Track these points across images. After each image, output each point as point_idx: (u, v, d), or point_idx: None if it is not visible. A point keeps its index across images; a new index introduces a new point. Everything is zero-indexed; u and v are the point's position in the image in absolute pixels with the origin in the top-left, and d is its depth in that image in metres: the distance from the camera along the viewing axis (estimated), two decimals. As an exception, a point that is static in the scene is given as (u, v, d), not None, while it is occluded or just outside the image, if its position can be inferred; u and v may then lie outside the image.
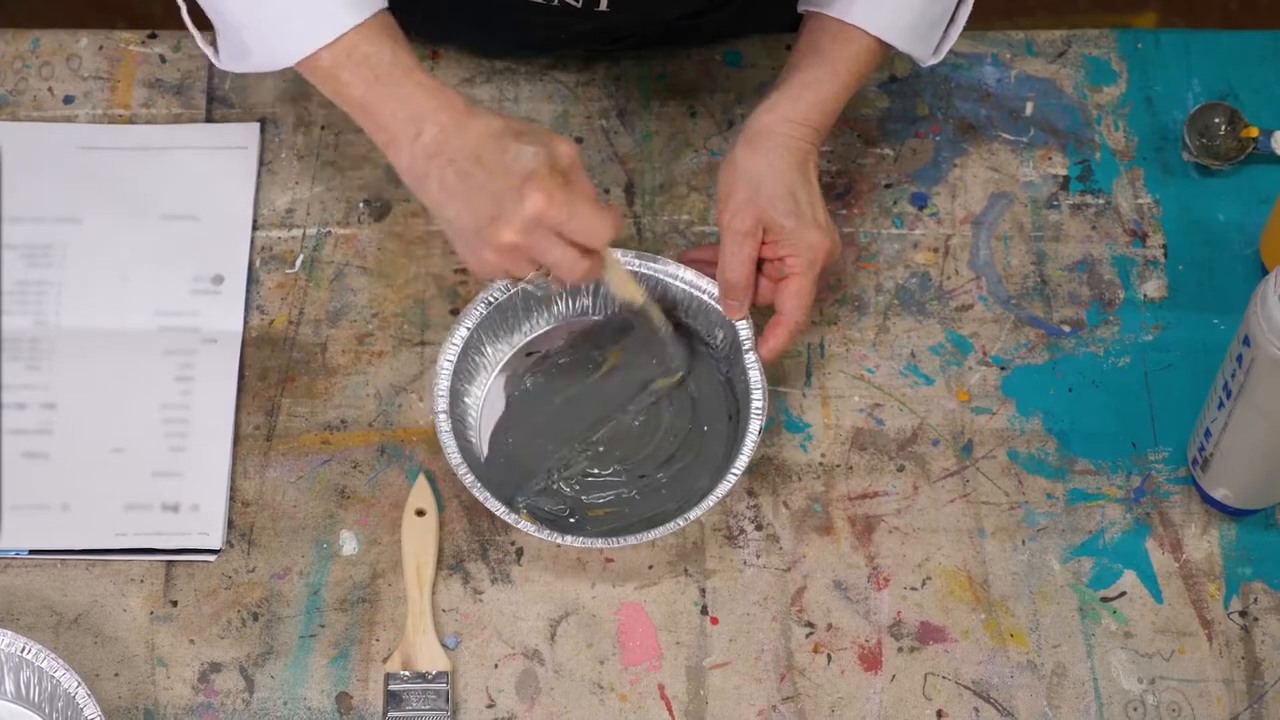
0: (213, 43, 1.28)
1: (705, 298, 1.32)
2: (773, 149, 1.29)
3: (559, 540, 1.24)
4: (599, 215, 1.21)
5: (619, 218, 1.23)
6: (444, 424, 1.28)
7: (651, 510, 1.28)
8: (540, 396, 1.33)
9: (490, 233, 1.19)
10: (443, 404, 1.28)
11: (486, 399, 1.33)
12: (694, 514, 1.24)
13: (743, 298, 1.30)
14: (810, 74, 1.31)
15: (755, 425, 1.27)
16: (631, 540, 1.24)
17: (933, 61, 1.34)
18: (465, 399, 1.31)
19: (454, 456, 1.26)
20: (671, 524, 1.24)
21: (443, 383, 1.29)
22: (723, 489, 1.25)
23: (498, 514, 1.24)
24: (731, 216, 1.29)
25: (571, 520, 1.28)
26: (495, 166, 1.18)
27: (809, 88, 1.31)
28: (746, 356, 1.30)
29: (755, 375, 1.29)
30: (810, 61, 1.31)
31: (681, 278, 1.33)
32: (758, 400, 1.28)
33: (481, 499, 1.25)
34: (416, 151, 1.20)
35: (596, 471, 1.30)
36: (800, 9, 1.34)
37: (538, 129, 1.21)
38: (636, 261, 1.33)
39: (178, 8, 1.28)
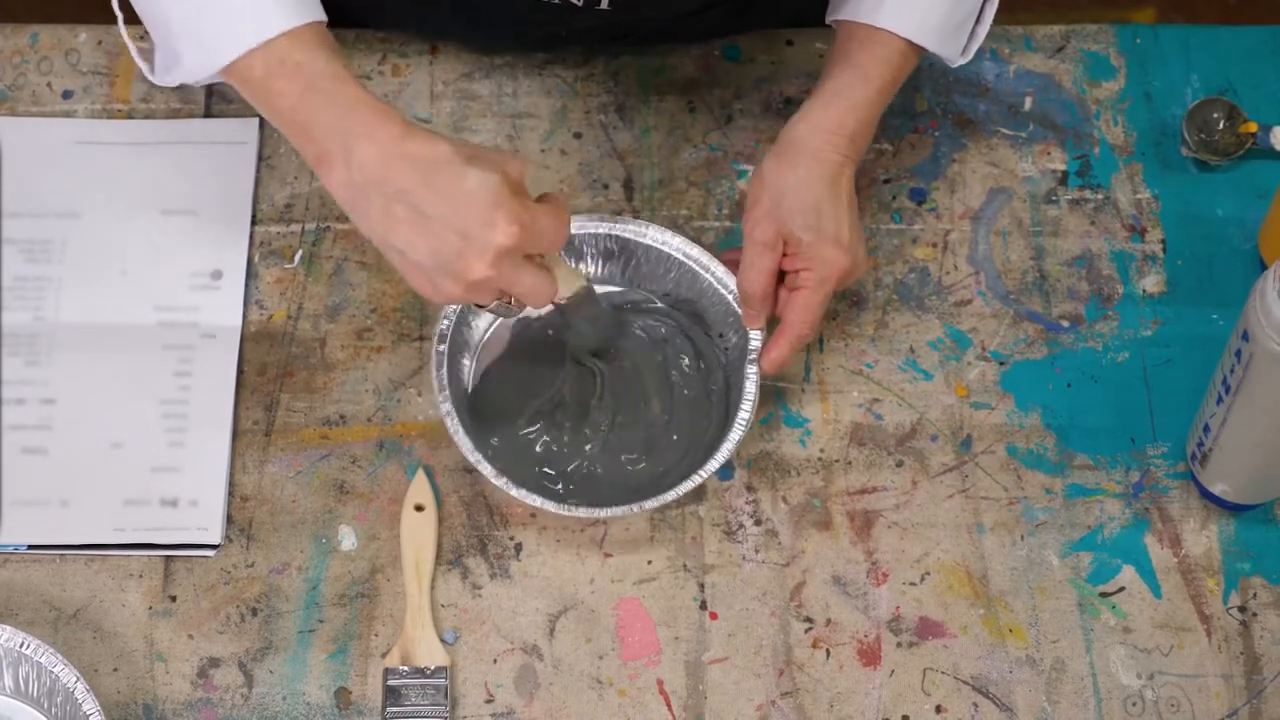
0: (149, 58, 1.26)
1: (729, 297, 1.32)
2: (802, 161, 1.28)
3: (567, 511, 1.25)
4: (558, 222, 1.17)
5: (567, 211, 1.19)
6: (447, 407, 1.27)
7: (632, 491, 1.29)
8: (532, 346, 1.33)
9: (458, 267, 1.13)
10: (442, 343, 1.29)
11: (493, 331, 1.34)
12: (649, 504, 1.25)
13: (760, 308, 1.30)
14: (840, 81, 1.30)
15: (735, 435, 1.27)
16: (627, 510, 1.25)
17: (961, 61, 1.33)
18: (468, 326, 1.32)
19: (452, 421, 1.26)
20: (639, 504, 1.25)
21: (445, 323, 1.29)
22: (685, 487, 1.25)
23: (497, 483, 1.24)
24: (753, 226, 1.28)
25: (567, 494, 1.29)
26: (454, 196, 1.12)
27: (839, 95, 1.29)
28: (748, 366, 1.30)
29: (749, 387, 1.29)
30: (840, 69, 1.30)
31: (712, 271, 1.33)
32: (745, 411, 1.28)
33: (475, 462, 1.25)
34: (353, 171, 1.13)
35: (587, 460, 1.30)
36: (829, 20, 1.33)
37: (484, 150, 1.15)
38: (672, 240, 1.34)
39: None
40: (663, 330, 1.35)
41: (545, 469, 1.30)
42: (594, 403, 1.32)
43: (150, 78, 1.24)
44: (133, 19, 1.26)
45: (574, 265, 1.34)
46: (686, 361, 1.33)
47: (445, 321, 1.30)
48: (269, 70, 1.15)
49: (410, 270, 1.16)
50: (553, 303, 1.24)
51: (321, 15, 1.17)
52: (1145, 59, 1.49)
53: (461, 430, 1.26)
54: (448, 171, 1.13)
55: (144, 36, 1.27)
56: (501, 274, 1.15)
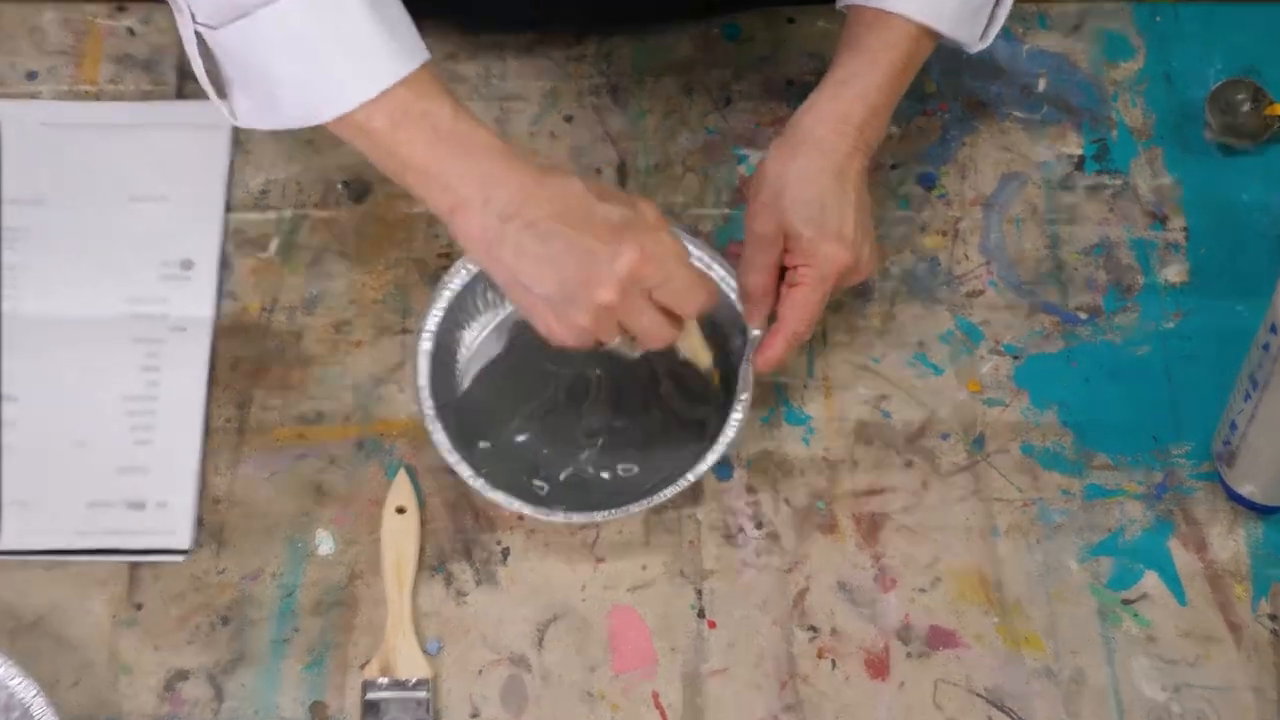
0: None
1: (733, 296, 1.31)
2: (807, 153, 1.26)
3: (547, 516, 1.23)
4: (695, 279, 1.17)
5: (714, 286, 1.19)
6: (429, 406, 1.25)
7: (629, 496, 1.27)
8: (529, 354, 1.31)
9: (583, 295, 1.14)
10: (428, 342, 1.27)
11: (482, 340, 1.32)
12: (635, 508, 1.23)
13: (761, 304, 1.28)
14: (848, 68, 1.27)
15: (728, 434, 1.25)
16: (610, 515, 1.23)
17: (980, 47, 1.31)
18: (458, 331, 1.30)
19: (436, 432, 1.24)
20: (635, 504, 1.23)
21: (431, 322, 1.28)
22: (672, 490, 1.24)
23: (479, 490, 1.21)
24: (753, 220, 1.27)
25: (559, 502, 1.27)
26: (582, 223, 1.13)
27: (848, 83, 1.27)
28: (744, 365, 1.28)
29: (741, 388, 1.27)
30: (848, 56, 1.28)
31: (715, 270, 1.31)
32: (738, 412, 1.26)
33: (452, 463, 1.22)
34: (488, 216, 1.14)
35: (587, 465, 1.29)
36: (839, 5, 1.31)
37: (618, 191, 1.18)
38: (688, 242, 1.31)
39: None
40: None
41: (537, 474, 1.28)
42: (587, 406, 1.30)
43: (233, 120, 1.20)
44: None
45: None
46: (685, 360, 1.29)
47: (433, 318, 1.28)
48: (394, 122, 1.15)
49: (536, 308, 1.17)
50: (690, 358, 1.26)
51: (428, 54, 1.17)
52: (1166, 37, 1.48)
53: (440, 429, 1.24)
54: (579, 203, 1.14)
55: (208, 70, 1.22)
56: (626, 302, 1.15)
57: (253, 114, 1.19)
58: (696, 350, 1.26)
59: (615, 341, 1.19)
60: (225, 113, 1.20)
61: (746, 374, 1.27)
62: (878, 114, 1.27)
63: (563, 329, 1.16)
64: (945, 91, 1.44)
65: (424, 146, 1.15)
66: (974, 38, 1.30)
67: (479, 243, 1.16)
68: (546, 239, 1.14)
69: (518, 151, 1.16)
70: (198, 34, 1.17)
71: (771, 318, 1.28)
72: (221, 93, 1.20)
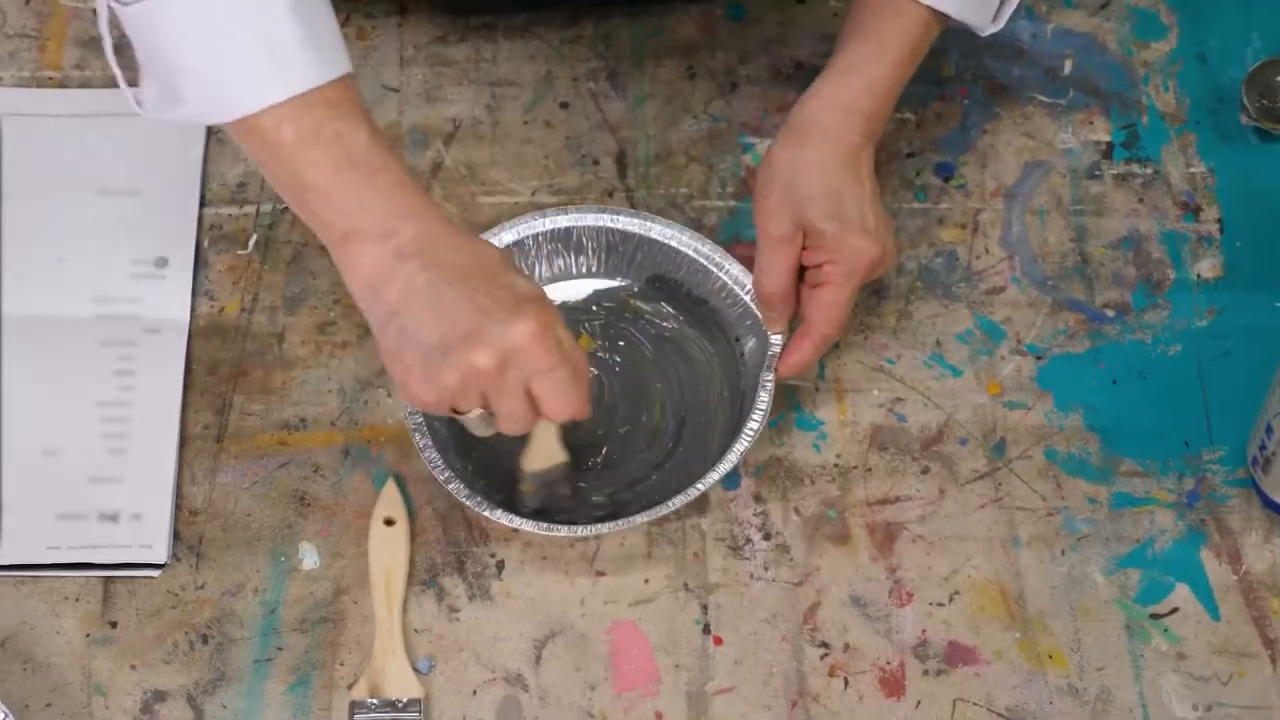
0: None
1: (747, 299, 1.33)
2: (815, 143, 1.28)
3: (554, 532, 1.25)
4: (576, 385, 1.15)
5: (586, 402, 1.18)
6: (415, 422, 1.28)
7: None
8: None
9: (461, 353, 1.13)
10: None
11: None
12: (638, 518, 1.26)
13: (780, 310, 1.30)
14: (855, 54, 1.29)
15: (740, 446, 1.28)
16: (615, 526, 1.25)
17: (993, 30, 1.32)
18: None
19: (430, 454, 1.26)
20: (639, 515, 1.25)
21: None
22: (679, 500, 1.26)
23: (480, 510, 1.24)
24: (767, 220, 1.28)
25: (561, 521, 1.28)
26: (485, 284, 1.13)
27: (854, 69, 1.29)
28: (765, 373, 1.30)
29: (763, 396, 1.29)
30: (855, 41, 1.30)
31: (728, 270, 1.34)
32: (755, 421, 1.28)
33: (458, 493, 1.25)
34: (384, 250, 1.14)
35: (588, 484, 1.31)
36: None
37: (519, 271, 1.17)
38: (680, 235, 1.34)
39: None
40: (667, 333, 1.35)
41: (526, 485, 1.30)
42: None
43: (136, 108, 1.18)
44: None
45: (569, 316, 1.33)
46: (693, 368, 1.34)
47: None
48: (302, 136, 1.13)
49: (404, 356, 1.15)
50: (522, 469, 1.26)
51: (349, 67, 1.15)
52: (1199, 15, 1.49)
53: (431, 445, 1.26)
54: (487, 266, 1.14)
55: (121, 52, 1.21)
56: (501, 376, 1.14)
57: (157, 103, 1.16)
58: (548, 452, 1.25)
59: (471, 414, 1.17)
60: (130, 100, 1.18)
61: (767, 381, 1.29)
62: (885, 103, 1.29)
63: (423, 385, 1.14)
64: (964, 75, 1.46)
65: (330, 169, 1.13)
66: (985, 20, 1.32)
67: (365, 277, 1.15)
68: (440, 287, 1.13)
69: (432, 202, 1.16)
70: (110, 8, 1.14)
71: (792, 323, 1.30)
72: (133, 78, 1.18)
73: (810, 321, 1.29)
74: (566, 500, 1.29)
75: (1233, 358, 1.36)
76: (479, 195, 1.42)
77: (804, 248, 1.28)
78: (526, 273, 1.17)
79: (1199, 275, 1.40)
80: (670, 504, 1.25)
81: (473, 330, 1.12)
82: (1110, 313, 1.38)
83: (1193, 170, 1.44)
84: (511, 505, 1.27)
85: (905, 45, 1.29)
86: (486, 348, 1.12)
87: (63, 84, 1.45)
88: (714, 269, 1.34)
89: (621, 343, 1.35)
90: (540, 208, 1.38)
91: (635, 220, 1.35)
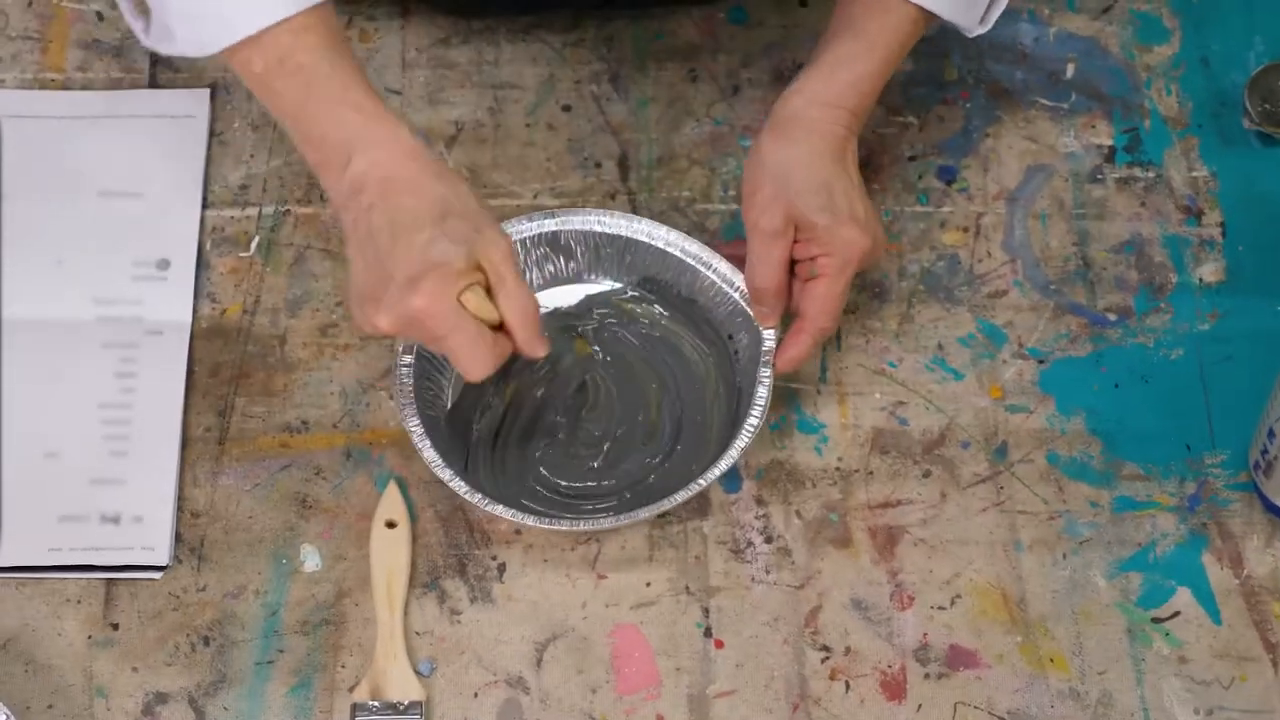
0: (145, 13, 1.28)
1: (737, 296, 1.33)
2: (803, 137, 1.28)
3: (552, 526, 1.26)
4: (473, 352, 1.19)
5: (497, 355, 1.20)
6: (413, 422, 1.28)
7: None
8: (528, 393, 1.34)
9: (370, 311, 1.19)
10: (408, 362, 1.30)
11: None
12: (639, 514, 1.26)
13: (774, 305, 1.30)
14: (843, 49, 1.30)
15: (740, 442, 1.28)
16: (618, 520, 1.26)
17: (980, 31, 1.33)
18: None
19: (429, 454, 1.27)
20: (644, 510, 1.26)
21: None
22: (682, 496, 1.26)
23: (484, 506, 1.25)
24: (758, 215, 1.28)
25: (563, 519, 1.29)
26: (405, 246, 1.18)
27: (842, 65, 1.30)
28: (761, 370, 1.30)
29: (762, 391, 1.29)
30: (843, 37, 1.30)
31: (716, 269, 1.34)
32: (754, 416, 1.29)
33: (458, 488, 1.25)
34: (343, 180, 1.20)
35: (594, 484, 1.31)
36: None
37: (478, 215, 1.20)
38: (667, 235, 1.34)
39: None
40: (659, 333, 1.35)
41: (537, 485, 1.31)
42: (585, 414, 1.33)
43: (142, 39, 1.26)
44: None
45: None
46: (687, 367, 1.34)
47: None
48: (268, 69, 1.20)
49: (347, 285, 1.23)
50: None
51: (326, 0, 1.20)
52: (1203, 20, 1.49)
53: (429, 446, 1.26)
54: (419, 212, 1.18)
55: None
56: (400, 335, 1.21)
57: (157, 37, 1.25)
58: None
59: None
60: (137, 30, 1.26)
61: (765, 377, 1.29)
62: (870, 97, 1.30)
63: (356, 319, 1.21)
64: (967, 78, 1.46)
65: (295, 99, 1.20)
66: (973, 21, 1.32)
67: (333, 203, 1.22)
68: (373, 236, 1.19)
69: (391, 121, 1.20)
70: None
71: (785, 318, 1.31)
72: (143, 8, 1.26)
73: (806, 315, 1.29)
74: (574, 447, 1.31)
75: (1235, 362, 1.36)
76: (481, 198, 1.41)
77: (795, 241, 1.29)
78: (465, 209, 1.20)
79: (1201, 279, 1.40)
80: (674, 498, 1.26)
81: (377, 293, 1.18)
82: (1112, 316, 1.38)
83: (1195, 174, 1.44)
84: (511, 504, 1.27)
85: (893, 43, 1.29)
86: (386, 312, 1.18)
87: (65, 86, 1.45)
88: (702, 268, 1.35)
89: (615, 345, 1.35)
90: (543, 211, 1.38)
91: (622, 221, 1.35)
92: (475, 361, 1.19)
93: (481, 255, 1.18)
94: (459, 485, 1.26)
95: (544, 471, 1.31)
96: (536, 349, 1.22)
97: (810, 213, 1.27)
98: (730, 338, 1.34)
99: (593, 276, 1.37)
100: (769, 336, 1.31)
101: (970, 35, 1.33)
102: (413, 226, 1.18)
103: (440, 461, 1.26)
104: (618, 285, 1.37)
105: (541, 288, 1.36)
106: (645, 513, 1.26)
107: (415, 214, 1.18)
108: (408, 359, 1.30)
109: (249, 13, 1.18)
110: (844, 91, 1.29)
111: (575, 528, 1.26)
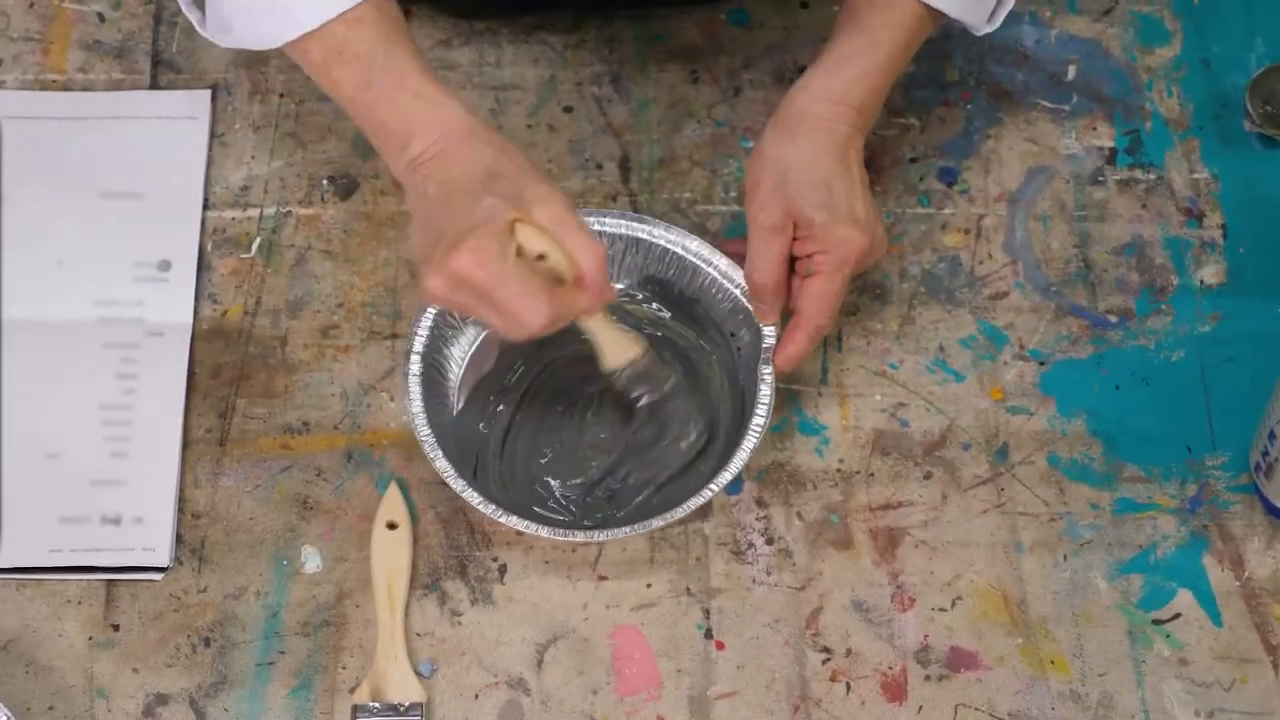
0: (201, 5, 1.29)
1: (737, 292, 1.33)
2: (806, 134, 1.29)
3: (567, 538, 1.26)
4: (529, 301, 1.17)
5: (552, 310, 1.18)
6: (421, 426, 1.28)
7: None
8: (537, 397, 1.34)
9: (424, 274, 1.19)
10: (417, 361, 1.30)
11: (474, 348, 1.35)
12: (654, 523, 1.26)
13: (772, 301, 1.30)
14: (848, 46, 1.30)
15: (749, 442, 1.28)
16: (631, 531, 1.26)
17: (988, 29, 1.33)
18: (447, 349, 1.33)
19: (437, 460, 1.27)
20: (643, 523, 1.26)
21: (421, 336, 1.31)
22: (695, 502, 1.26)
23: (487, 511, 1.25)
24: (758, 210, 1.29)
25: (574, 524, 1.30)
26: (455, 208, 1.19)
27: (846, 61, 1.30)
28: (762, 367, 1.30)
29: (764, 390, 1.30)
30: (848, 33, 1.31)
31: (716, 265, 1.34)
32: (760, 416, 1.29)
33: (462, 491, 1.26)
34: (403, 160, 1.23)
35: (605, 487, 1.31)
36: None
37: (529, 175, 1.21)
38: (667, 233, 1.34)
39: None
40: (661, 333, 1.36)
41: (544, 491, 1.31)
42: (592, 418, 1.33)
43: (201, 30, 1.28)
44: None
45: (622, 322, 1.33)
46: (692, 366, 1.34)
47: (419, 339, 1.31)
48: (326, 59, 1.23)
49: (416, 255, 1.24)
50: (607, 371, 1.29)
51: None
52: (1203, 21, 1.50)
53: (441, 456, 1.27)
54: (469, 185, 1.20)
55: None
56: (459, 300, 1.19)
57: (214, 29, 1.28)
58: (616, 348, 1.27)
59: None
60: (194, 20, 1.29)
61: (766, 375, 1.30)
62: (876, 94, 1.30)
63: (421, 286, 1.20)
64: (968, 80, 1.46)
65: (354, 87, 1.23)
66: (981, 19, 1.32)
67: (401, 181, 1.24)
68: (428, 203, 1.21)
69: (448, 106, 1.23)
70: None
71: (785, 316, 1.31)
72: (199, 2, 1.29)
73: (802, 312, 1.29)
74: (667, 380, 1.31)
75: (1236, 364, 1.37)
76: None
77: (795, 238, 1.29)
78: (518, 171, 1.21)
79: (1202, 281, 1.40)
80: (686, 506, 1.26)
81: (430, 255, 1.19)
82: (1113, 318, 1.39)
83: (1196, 176, 1.44)
84: (518, 510, 1.27)
85: (899, 40, 1.30)
86: (435, 273, 1.18)
87: (66, 87, 1.45)
88: (703, 265, 1.35)
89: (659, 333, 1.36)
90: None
91: (622, 221, 1.35)
92: (531, 311, 1.17)
93: (532, 209, 1.18)
94: (471, 495, 1.26)
95: (551, 479, 1.31)
96: (607, 292, 1.21)
97: (808, 209, 1.27)
98: (732, 335, 1.34)
99: None
100: (769, 334, 1.31)
101: (978, 33, 1.34)
102: (461, 190, 1.20)
103: (452, 471, 1.26)
104: (619, 286, 1.37)
105: None
106: (657, 521, 1.26)
107: (464, 179, 1.20)
108: (416, 364, 1.30)
109: (308, 7, 1.21)
110: (848, 88, 1.29)
111: (592, 539, 1.27)
